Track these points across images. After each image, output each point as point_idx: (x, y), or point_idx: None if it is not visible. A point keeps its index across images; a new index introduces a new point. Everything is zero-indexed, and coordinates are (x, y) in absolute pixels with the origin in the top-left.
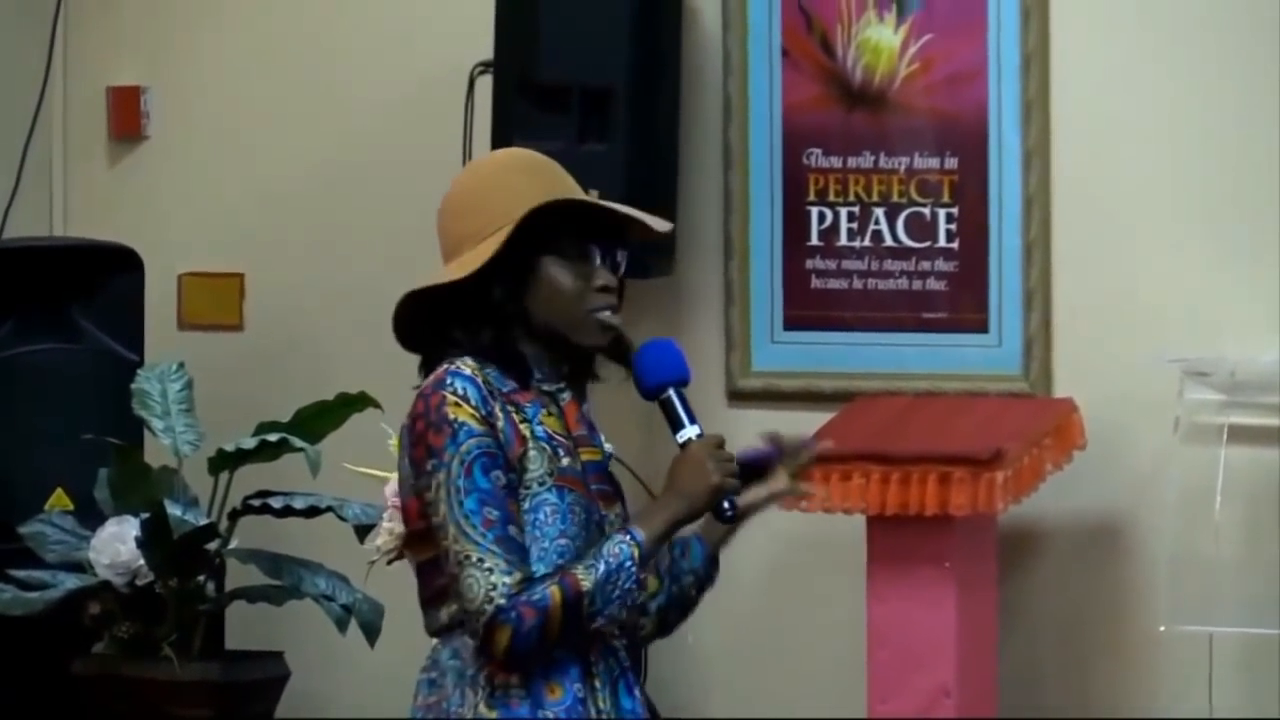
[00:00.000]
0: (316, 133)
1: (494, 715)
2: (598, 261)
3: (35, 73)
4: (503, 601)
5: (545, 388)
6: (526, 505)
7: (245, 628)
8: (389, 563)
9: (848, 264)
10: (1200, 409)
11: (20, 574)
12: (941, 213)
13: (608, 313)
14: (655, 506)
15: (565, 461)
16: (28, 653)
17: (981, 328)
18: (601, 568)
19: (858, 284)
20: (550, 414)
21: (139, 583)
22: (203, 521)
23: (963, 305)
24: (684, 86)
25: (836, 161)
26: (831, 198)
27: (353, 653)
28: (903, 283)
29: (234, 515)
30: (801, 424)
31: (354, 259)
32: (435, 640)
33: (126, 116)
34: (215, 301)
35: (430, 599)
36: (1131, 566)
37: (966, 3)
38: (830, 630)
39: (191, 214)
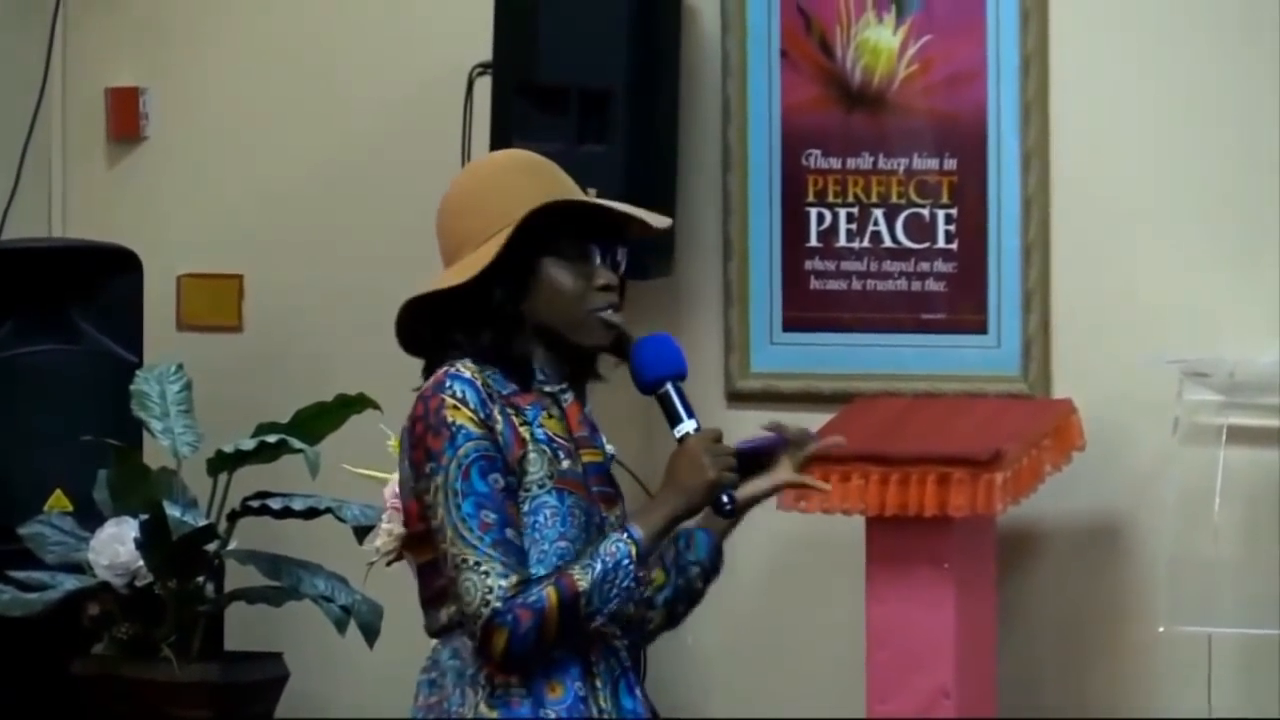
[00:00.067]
0: (315, 134)
1: (495, 715)
2: (598, 261)
3: (34, 74)
4: (499, 605)
5: (547, 389)
6: (526, 508)
7: (244, 629)
8: (388, 564)
9: (847, 265)
10: (1199, 410)
11: (20, 575)
12: (940, 214)
13: (609, 311)
14: (653, 503)
15: (565, 464)
16: (27, 653)
17: (980, 329)
18: (598, 567)
19: (857, 285)
20: (551, 416)
21: (138, 584)
22: (202, 523)
23: (962, 306)
24: (683, 88)
25: (835, 162)
26: (830, 199)
27: (352, 654)
28: (902, 284)
29: (233, 516)
30: (801, 425)
31: (353, 260)
32: (435, 641)
33: (125, 117)
34: (214, 302)
35: (431, 600)
36: (1130, 567)
37: (966, 4)
38: (830, 631)
39: (190, 215)
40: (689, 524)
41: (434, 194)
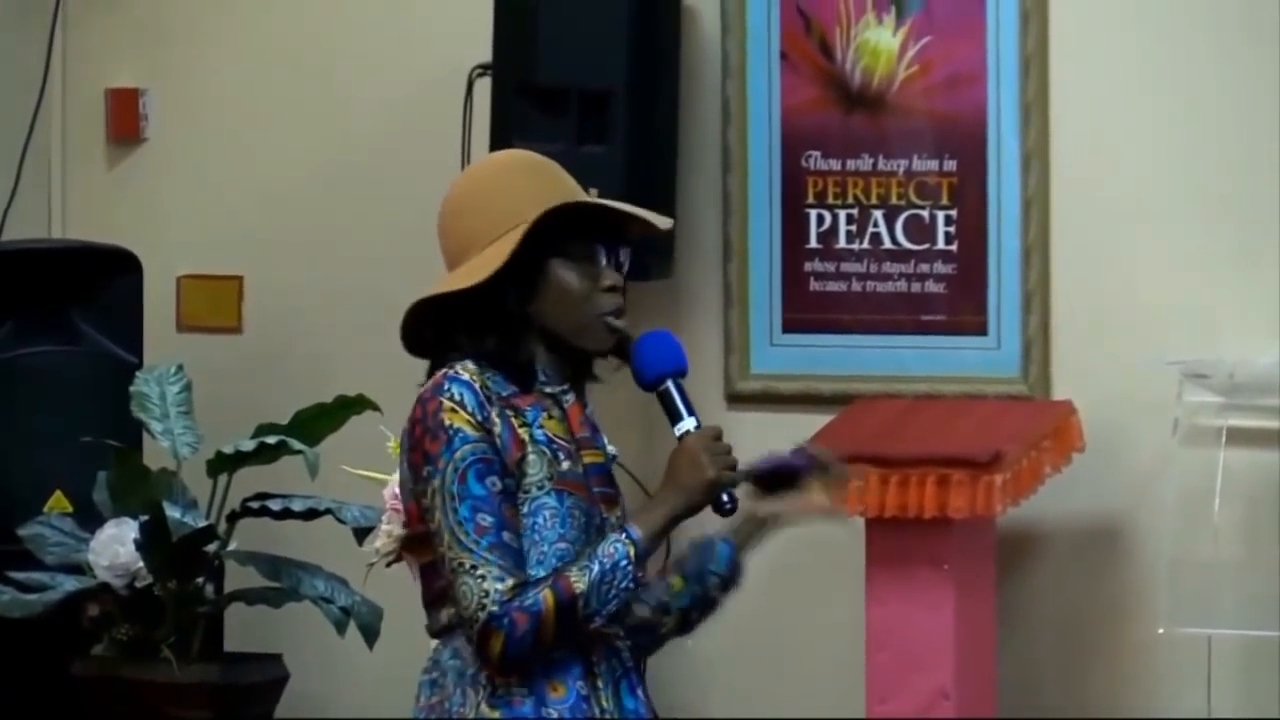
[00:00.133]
0: (315, 135)
1: (496, 715)
2: (604, 262)
3: (34, 75)
4: (495, 609)
5: (548, 390)
6: (525, 509)
7: (244, 630)
8: (387, 565)
9: (846, 266)
10: (1199, 411)
11: (19, 576)
12: (940, 215)
13: (615, 316)
14: (652, 503)
15: (565, 465)
16: (27, 654)
17: (980, 330)
18: (596, 569)
19: (856, 286)
20: (552, 417)
21: (138, 585)
22: (201, 524)
23: (961, 308)
24: (683, 89)
25: (835, 164)
26: (830, 200)
27: (351, 655)
28: (901, 285)
29: (233, 517)
30: (800, 426)
31: (352, 261)
32: (436, 641)
33: (125, 119)
34: (214, 304)
35: (432, 601)
36: (1130, 569)
37: (966, 5)
38: (829, 632)
39: (190, 216)
40: (712, 533)
41: (434, 194)
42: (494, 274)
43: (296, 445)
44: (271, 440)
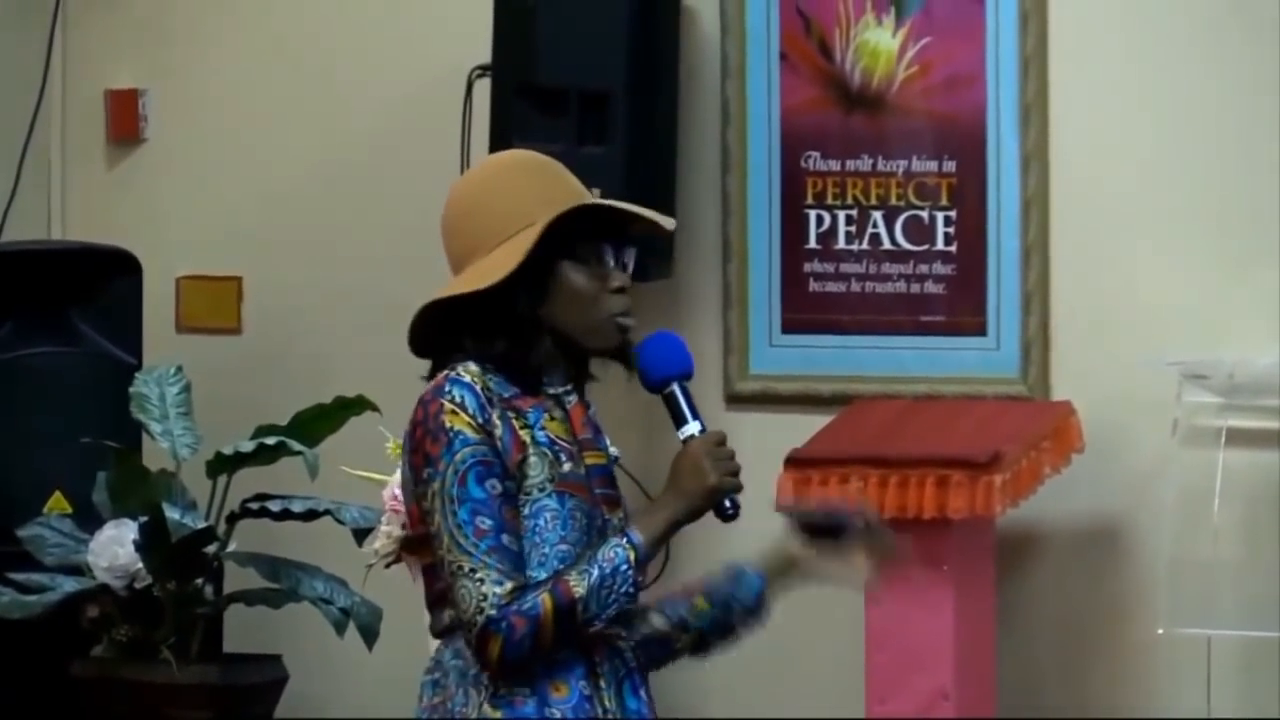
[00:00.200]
0: (315, 136)
1: (498, 715)
2: (611, 263)
3: (34, 75)
4: (493, 612)
5: (551, 391)
6: (527, 511)
7: (243, 631)
8: (387, 566)
9: (846, 267)
10: (1199, 411)
11: (19, 577)
12: (940, 216)
13: (624, 316)
14: (654, 507)
15: (567, 467)
16: (26, 655)
17: (980, 331)
18: (595, 573)
19: (856, 287)
20: (554, 418)
21: (137, 585)
22: (201, 524)
23: (961, 308)
24: (682, 89)
25: (835, 164)
26: (830, 201)
27: (351, 656)
28: (901, 286)
29: (232, 518)
30: (800, 427)
31: (352, 262)
32: (438, 641)
33: (125, 119)
34: (213, 304)
35: (435, 601)
36: (1130, 569)
37: (965, 6)
38: (829, 632)
39: (189, 217)
40: (746, 564)
41: (434, 195)
42: (505, 276)
43: (296, 446)
44: (271, 441)
